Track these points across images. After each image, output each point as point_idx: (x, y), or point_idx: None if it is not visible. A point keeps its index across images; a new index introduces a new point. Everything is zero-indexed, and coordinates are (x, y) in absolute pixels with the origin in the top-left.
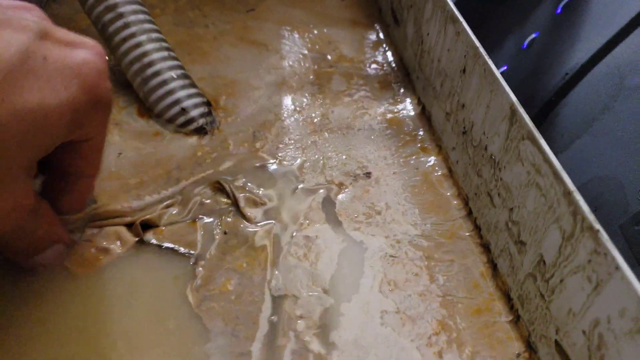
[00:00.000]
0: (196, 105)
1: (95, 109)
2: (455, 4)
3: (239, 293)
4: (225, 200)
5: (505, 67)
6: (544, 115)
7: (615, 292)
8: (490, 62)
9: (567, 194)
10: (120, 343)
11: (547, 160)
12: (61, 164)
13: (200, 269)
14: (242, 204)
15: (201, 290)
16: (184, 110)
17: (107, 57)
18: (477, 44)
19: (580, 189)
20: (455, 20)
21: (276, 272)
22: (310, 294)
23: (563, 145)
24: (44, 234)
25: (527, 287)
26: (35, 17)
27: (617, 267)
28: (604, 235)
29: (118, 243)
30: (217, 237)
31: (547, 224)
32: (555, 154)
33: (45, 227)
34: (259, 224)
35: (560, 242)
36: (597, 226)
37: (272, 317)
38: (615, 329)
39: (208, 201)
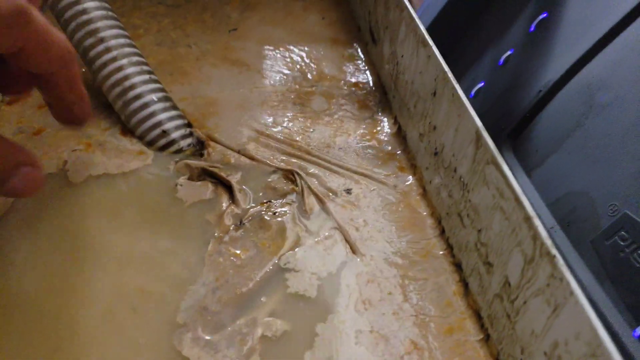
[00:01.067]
0: (177, 127)
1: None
2: (434, 20)
3: (244, 264)
4: (292, 187)
5: (483, 84)
6: (519, 131)
7: (571, 316)
8: (457, 87)
9: (527, 219)
10: (125, 240)
11: (509, 185)
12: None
13: (235, 232)
14: (306, 196)
15: (222, 245)
16: (164, 133)
17: None
18: (446, 68)
19: (554, 204)
20: (425, 44)
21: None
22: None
23: (538, 161)
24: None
25: (495, 307)
26: None
27: (572, 292)
28: (560, 261)
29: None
30: (264, 214)
31: (511, 247)
32: (531, 169)
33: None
34: (310, 218)
35: (522, 265)
36: (554, 251)
37: (255, 298)
38: (572, 351)
39: (278, 186)
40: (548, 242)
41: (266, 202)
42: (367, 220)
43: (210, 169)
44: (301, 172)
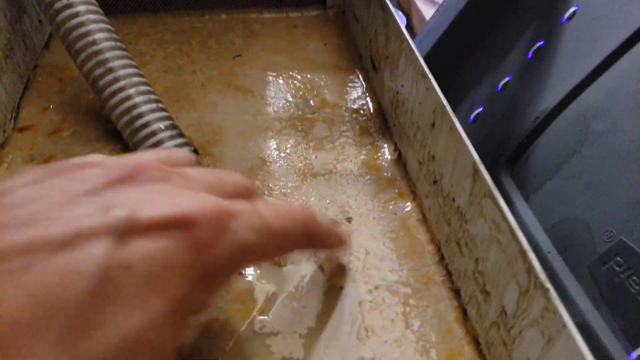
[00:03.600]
0: None
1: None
2: (434, 44)
3: (215, 335)
4: None
5: (482, 109)
6: (518, 156)
7: (564, 349)
8: (455, 120)
9: (522, 252)
10: None
11: (505, 219)
12: None
13: None
14: None
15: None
16: None
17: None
18: (445, 102)
19: (551, 229)
20: (425, 76)
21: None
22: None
23: (536, 186)
24: None
25: (492, 335)
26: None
27: (564, 325)
28: (553, 294)
29: None
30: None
31: (507, 278)
32: (529, 194)
33: None
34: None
35: (518, 296)
36: (548, 285)
37: None
38: None
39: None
40: (542, 275)
41: None
42: (368, 249)
43: None
44: None
